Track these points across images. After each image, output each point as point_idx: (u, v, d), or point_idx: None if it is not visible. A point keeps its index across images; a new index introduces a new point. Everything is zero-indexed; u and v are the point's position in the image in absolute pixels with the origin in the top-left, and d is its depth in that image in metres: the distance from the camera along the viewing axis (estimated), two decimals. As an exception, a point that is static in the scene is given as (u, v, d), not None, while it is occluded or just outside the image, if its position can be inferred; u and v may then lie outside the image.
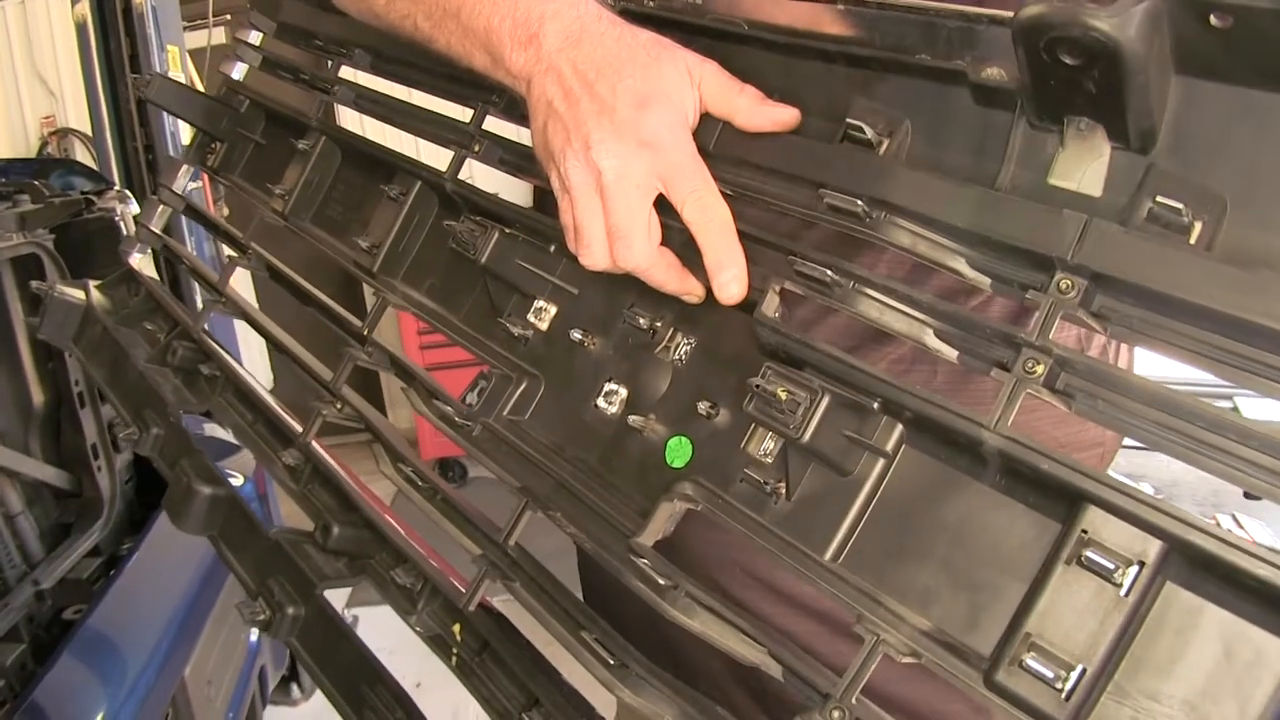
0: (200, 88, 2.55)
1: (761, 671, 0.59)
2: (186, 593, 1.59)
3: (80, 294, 1.13)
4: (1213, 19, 0.43)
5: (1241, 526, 2.60)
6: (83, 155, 4.14)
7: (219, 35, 3.31)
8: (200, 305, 1.04)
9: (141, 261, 1.15)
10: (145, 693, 1.37)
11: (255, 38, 1.10)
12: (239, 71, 1.10)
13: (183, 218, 1.80)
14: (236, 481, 1.76)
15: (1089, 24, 0.44)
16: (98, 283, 1.16)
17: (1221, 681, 0.46)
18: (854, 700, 0.53)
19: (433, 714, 0.82)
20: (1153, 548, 0.47)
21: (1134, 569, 0.48)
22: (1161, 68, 0.47)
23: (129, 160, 2.13)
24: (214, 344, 1.00)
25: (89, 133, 2.87)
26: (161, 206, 1.12)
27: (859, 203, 0.58)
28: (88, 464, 1.63)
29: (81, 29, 2.09)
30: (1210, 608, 0.46)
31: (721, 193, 0.65)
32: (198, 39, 3.02)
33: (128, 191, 1.75)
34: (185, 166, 1.12)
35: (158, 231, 1.12)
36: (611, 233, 0.64)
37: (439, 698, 0.72)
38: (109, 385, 1.07)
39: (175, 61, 2.12)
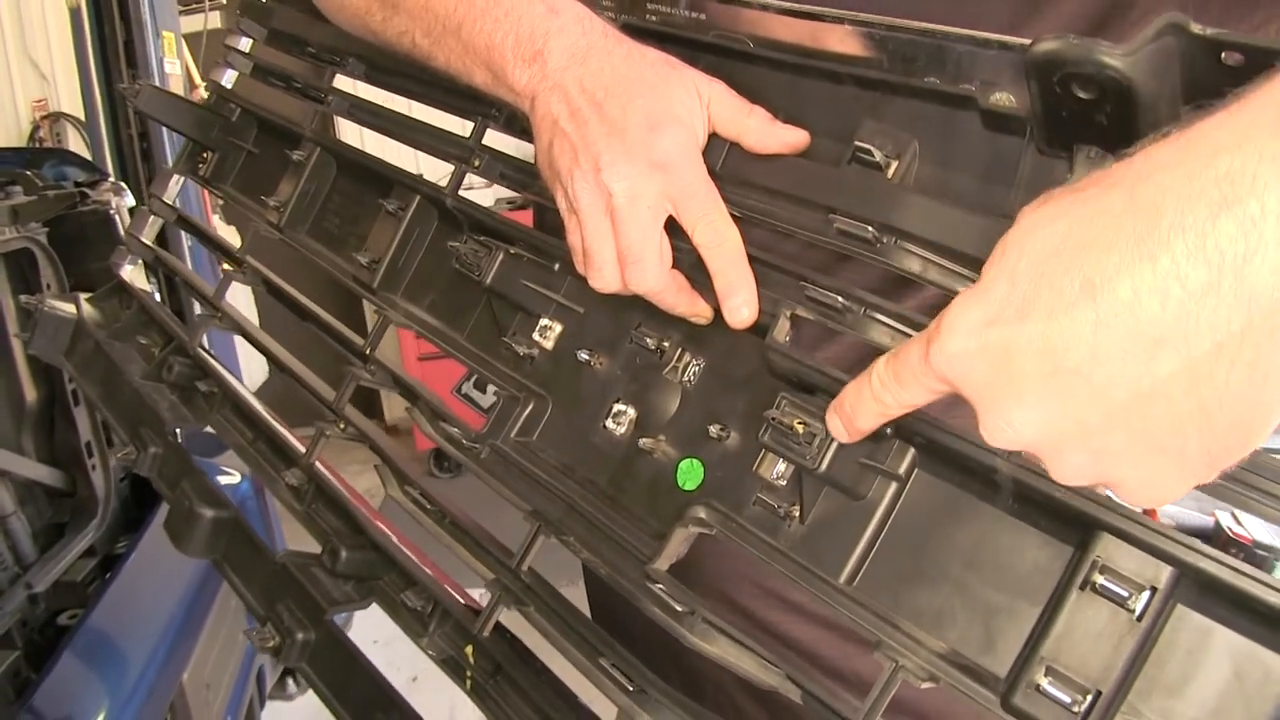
0: (196, 74, 2.51)
1: None
2: (184, 593, 1.57)
3: (71, 308, 1.12)
4: (1224, 57, 0.43)
5: (1240, 523, 2.66)
6: (75, 140, 4.08)
7: (215, 20, 3.26)
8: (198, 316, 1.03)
9: (133, 273, 1.13)
10: (144, 698, 1.36)
11: (245, 44, 1.09)
12: (229, 79, 1.09)
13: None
14: (234, 480, 1.74)
15: (1104, 62, 0.44)
16: (88, 295, 1.15)
17: (1232, 701, 0.47)
18: (874, 725, 0.54)
19: (429, 708, 0.82)
20: (1164, 573, 0.49)
21: (1146, 594, 0.49)
22: (1171, 101, 0.47)
23: (123, 146, 2.09)
24: (211, 360, 0.99)
25: (82, 117, 2.82)
26: (152, 218, 1.11)
27: (869, 228, 0.59)
28: (82, 462, 1.60)
29: (75, 14, 2.05)
30: (1220, 630, 0.47)
31: (731, 215, 0.65)
32: (193, 23, 2.97)
33: (122, 184, 1.72)
34: (176, 176, 1.10)
35: (149, 243, 1.11)
36: (623, 256, 0.64)
37: (436, 692, 0.72)
38: (103, 402, 1.05)
39: (171, 48, 2.09)
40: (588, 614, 0.93)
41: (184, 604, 1.56)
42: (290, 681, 2.26)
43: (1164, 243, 0.35)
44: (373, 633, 0.84)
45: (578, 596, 0.94)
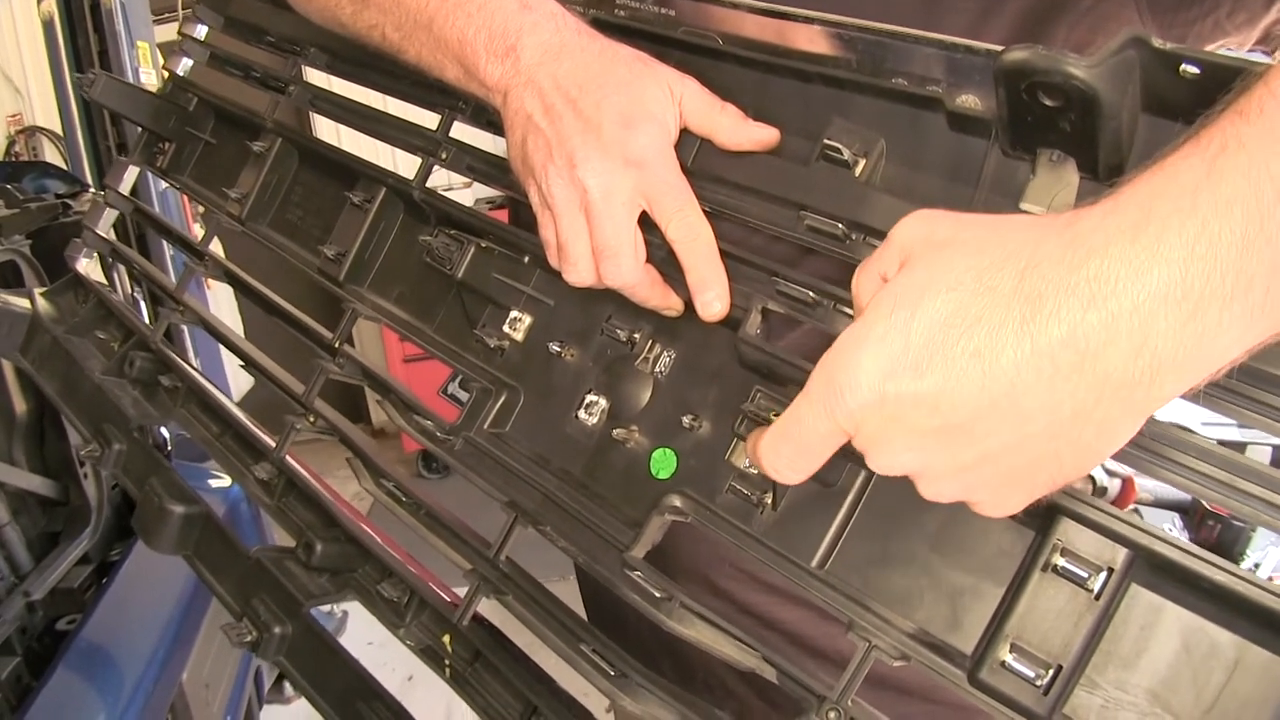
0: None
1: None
2: (181, 596, 1.57)
3: (24, 303, 1.09)
4: (1183, 69, 0.46)
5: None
6: (51, 153, 3.97)
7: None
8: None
9: (89, 265, 1.11)
10: (144, 700, 1.36)
11: (202, 32, 1.07)
12: (185, 67, 1.07)
13: (154, 202, 1.75)
14: (225, 481, 1.73)
15: (1070, 72, 0.46)
16: (43, 290, 1.13)
17: (1180, 672, 0.50)
18: (849, 702, 0.56)
19: (426, 708, 0.82)
20: (1120, 555, 0.51)
21: (1103, 574, 0.52)
22: (1132, 110, 0.50)
23: (101, 159, 2.06)
24: (173, 355, 0.98)
25: (59, 131, 2.77)
26: (108, 209, 1.09)
27: (839, 225, 0.60)
28: (74, 471, 1.59)
29: (48, 27, 2.01)
30: (1170, 607, 0.50)
31: (703, 210, 0.66)
32: (168, 32, 2.91)
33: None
34: (131, 167, 1.08)
35: (104, 235, 1.08)
36: (598, 251, 0.65)
37: (432, 691, 0.72)
38: (62, 399, 1.03)
39: (146, 58, 2.04)
40: (580, 606, 0.94)
41: (180, 605, 1.55)
42: (288, 684, 2.23)
43: (1043, 328, 0.41)
44: (368, 634, 0.84)
45: (570, 590, 0.95)
